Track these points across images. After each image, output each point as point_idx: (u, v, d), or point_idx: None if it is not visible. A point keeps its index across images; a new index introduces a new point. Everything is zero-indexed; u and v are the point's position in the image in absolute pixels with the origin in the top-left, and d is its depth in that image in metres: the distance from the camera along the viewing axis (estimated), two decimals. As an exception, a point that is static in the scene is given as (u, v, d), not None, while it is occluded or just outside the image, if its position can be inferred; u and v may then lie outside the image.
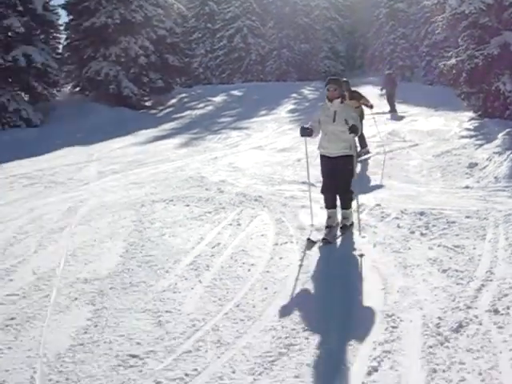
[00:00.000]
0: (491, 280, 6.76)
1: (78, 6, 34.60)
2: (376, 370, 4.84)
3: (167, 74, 37.56)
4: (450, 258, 7.62)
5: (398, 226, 9.15)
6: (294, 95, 40.70)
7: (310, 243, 8.56)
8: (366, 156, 16.53)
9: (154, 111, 35.11)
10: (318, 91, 44.22)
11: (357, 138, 14.02)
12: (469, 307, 6.02)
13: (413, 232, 8.83)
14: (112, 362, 5.09)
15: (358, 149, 15.64)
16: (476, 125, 20.83)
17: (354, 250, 8.29)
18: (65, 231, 9.55)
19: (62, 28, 35.98)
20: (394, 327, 5.64)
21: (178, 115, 32.80)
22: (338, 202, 9.54)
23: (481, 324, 5.63)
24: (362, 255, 8.09)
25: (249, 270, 7.41)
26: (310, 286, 6.92)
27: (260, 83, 49.28)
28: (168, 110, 35.63)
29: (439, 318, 5.79)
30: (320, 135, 9.46)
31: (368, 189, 12.15)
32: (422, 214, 9.63)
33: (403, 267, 7.37)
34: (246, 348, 5.33)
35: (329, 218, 9.43)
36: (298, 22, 58.44)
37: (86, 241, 8.95)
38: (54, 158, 18.88)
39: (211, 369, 4.95)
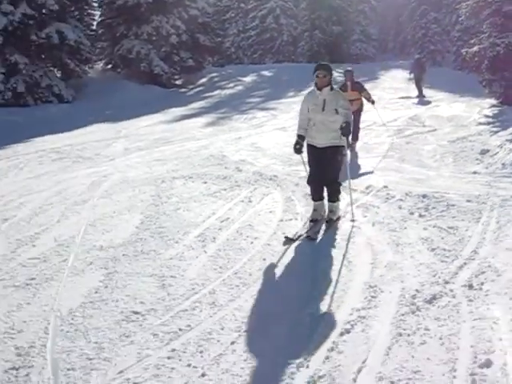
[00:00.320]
0: (474, 259, 7.28)
1: (113, -16, 35.11)
2: (348, 332, 5.43)
3: (198, 54, 37.98)
4: (442, 238, 8.14)
5: (400, 207, 9.65)
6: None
7: (288, 240, 8.13)
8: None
9: (183, 90, 35.60)
10: (347, 73, 44.45)
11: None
12: (447, 282, 6.57)
13: (412, 213, 9.34)
14: (117, 317, 5.77)
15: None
16: (495, 112, 21.14)
17: (359, 228, 8.81)
18: (87, 203, 10.20)
19: (96, 5, 36.65)
20: (373, 297, 6.22)
21: (208, 94, 33.22)
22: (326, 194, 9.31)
23: (454, 297, 6.18)
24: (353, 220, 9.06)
25: (251, 243, 8.03)
26: (304, 258, 7.51)
27: (291, 64, 49.41)
28: (198, 89, 36.06)
29: (417, 290, 6.35)
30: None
31: (379, 171, 12.64)
32: (424, 196, 10.11)
33: (395, 245, 7.91)
34: (236, 309, 5.96)
35: (314, 210, 9.20)
36: (330, 4, 58.30)
37: (105, 212, 9.60)
38: (84, 134, 19.51)
39: (203, 325, 5.59)
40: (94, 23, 37.59)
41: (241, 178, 11.81)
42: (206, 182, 11.53)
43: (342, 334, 5.39)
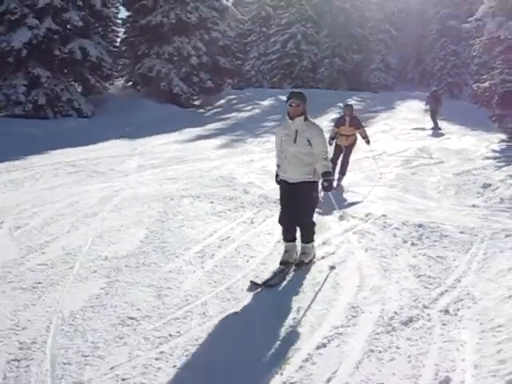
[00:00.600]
0: (455, 287, 7.70)
1: (136, 4, 35.82)
2: (324, 346, 5.88)
3: (217, 75, 38.59)
4: (429, 266, 8.55)
5: (394, 235, 10.06)
6: (340, 104, 41.20)
7: (253, 285, 7.55)
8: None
9: (201, 110, 36.17)
10: (364, 102, 44.80)
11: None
12: (425, 307, 7.00)
13: (405, 241, 9.75)
14: (113, 321, 6.27)
15: (336, 176, 14.76)
16: (503, 147, 21.45)
17: (352, 253, 9.22)
18: (97, 216, 10.70)
19: (120, 23, 37.38)
20: (353, 316, 6.65)
21: (225, 116, 33.73)
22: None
23: (429, 321, 6.61)
24: (332, 267, 8.36)
25: (247, 261, 8.49)
26: (295, 279, 7.94)
27: (310, 90, 49.75)
28: (215, 111, 36.60)
29: (395, 312, 6.78)
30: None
31: (382, 200, 13.05)
32: (420, 226, 10.50)
33: (384, 270, 8.33)
34: (224, 320, 6.44)
35: (285, 252, 8.54)
36: (351, 32, 58.93)
37: (113, 226, 10.09)
38: (100, 149, 20.07)
39: (191, 333, 6.08)
40: (118, 40, 38.21)
41: (247, 200, 12.25)
42: (212, 202, 11.97)
43: (318, 348, 5.84)
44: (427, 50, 62.58)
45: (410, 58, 68.57)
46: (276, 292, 7.43)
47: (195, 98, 38.12)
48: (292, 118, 8.13)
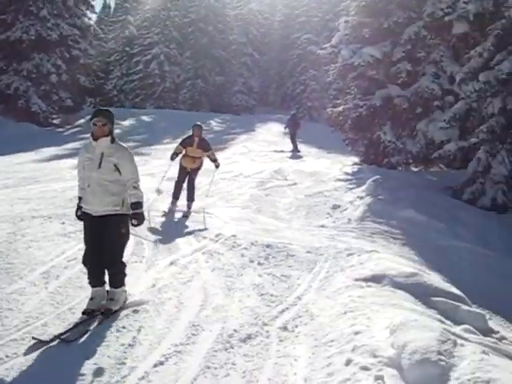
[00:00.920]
0: (296, 304, 8.04)
1: (-5, 18, 35.01)
2: (162, 364, 6.03)
3: (77, 94, 38.18)
4: (273, 285, 8.87)
5: (242, 255, 10.32)
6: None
7: (38, 343, 6.39)
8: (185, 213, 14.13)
9: (60, 129, 35.61)
10: (224, 124, 45.47)
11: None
12: (265, 324, 7.29)
13: (252, 261, 10.03)
14: None
15: (185, 203, 14.38)
16: (355, 170, 22.27)
17: (198, 273, 9.38)
18: None
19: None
20: (193, 334, 6.84)
21: (84, 135, 33.05)
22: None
23: (267, 337, 6.90)
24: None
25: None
26: (140, 301, 7.95)
27: (172, 111, 49.91)
28: (75, 130, 36.10)
29: (235, 330, 7.02)
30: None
31: (234, 221, 13.30)
32: (268, 246, 10.81)
33: (228, 289, 8.57)
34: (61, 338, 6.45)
35: (91, 299, 7.44)
36: (214, 54, 59.47)
37: None
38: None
39: (29, 354, 6.05)
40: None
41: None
42: (63, 223, 11.83)
43: (155, 366, 5.97)
44: (288, 74, 63.98)
45: (272, 81, 69.84)
46: (118, 312, 7.45)
47: (54, 116, 37.46)
48: (96, 139, 7.22)
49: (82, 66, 38.27)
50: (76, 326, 6.95)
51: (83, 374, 5.71)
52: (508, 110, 16.52)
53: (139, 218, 7.38)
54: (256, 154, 28.94)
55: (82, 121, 38.94)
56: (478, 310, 8.19)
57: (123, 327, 6.93)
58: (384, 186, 16.72)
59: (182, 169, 14.63)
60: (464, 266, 11.48)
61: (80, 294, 7.94)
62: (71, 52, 36.85)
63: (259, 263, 9.95)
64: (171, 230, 12.19)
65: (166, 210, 13.91)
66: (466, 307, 7.95)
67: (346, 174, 21.43)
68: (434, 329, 5.96)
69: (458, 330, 6.77)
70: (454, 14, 18.97)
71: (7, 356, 5.93)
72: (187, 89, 58.89)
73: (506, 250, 13.11)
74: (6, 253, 9.56)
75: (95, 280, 7.57)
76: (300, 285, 8.92)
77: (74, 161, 22.63)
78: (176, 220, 13.02)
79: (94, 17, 49.34)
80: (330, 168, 23.48)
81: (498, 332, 7.65)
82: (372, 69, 23.03)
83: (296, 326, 7.26)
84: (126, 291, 7.81)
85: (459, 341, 5.95)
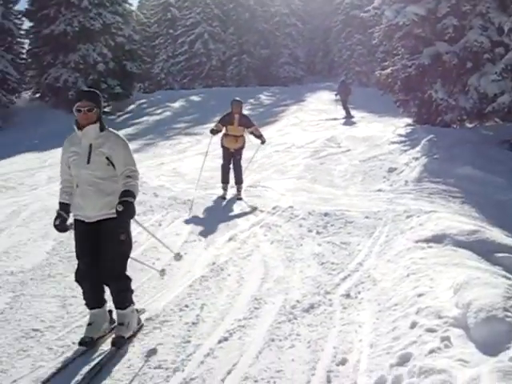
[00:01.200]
0: (357, 271, 8.00)
1: (38, 14, 35.19)
2: (226, 340, 6.03)
3: (125, 81, 38.29)
4: (333, 253, 8.83)
5: (300, 226, 10.31)
6: (251, 100, 41.49)
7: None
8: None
9: (112, 117, 35.77)
10: (274, 96, 45.24)
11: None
12: (327, 293, 7.26)
13: (311, 231, 10.01)
14: (17, 335, 6.24)
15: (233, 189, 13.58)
16: (408, 131, 21.97)
17: (258, 246, 9.39)
18: (4, 232, 10.55)
19: (24, 34, 36.75)
20: (256, 308, 6.84)
21: (135, 121, 33.52)
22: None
23: (330, 306, 6.87)
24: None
25: (153, 263, 8.55)
26: (203, 277, 8.01)
27: (220, 88, 49.81)
28: (126, 116, 36.33)
29: (297, 301, 7.01)
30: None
31: (290, 192, 13.26)
32: (326, 214, 10.78)
33: (288, 261, 8.56)
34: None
35: (89, 324, 6.17)
36: (257, 28, 59.27)
37: (21, 240, 9.97)
38: (9, 164, 19.72)
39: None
40: (24, 51, 37.52)
41: (156, 203, 12.27)
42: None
43: (219, 342, 5.98)
44: (334, 41, 63.18)
45: (318, 49, 69.14)
46: (180, 292, 7.50)
47: (104, 104, 37.57)
48: (82, 128, 5.90)
49: (127, 52, 38.39)
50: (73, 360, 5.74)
51: (150, 355, 5.74)
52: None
53: (125, 210, 5.67)
54: (307, 123, 28.78)
55: (132, 107, 39.18)
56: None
57: (186, 306, 6.96)
58: (439, 145, 16.48)
59: (225, 150, 13.60)
60: (527, 219, 11.25)
61: (142, 277, 7.99)
62: (115, 39, 36.97)
63: (318, 232, 9.92)
64: (227, 207, 12.22)
65: (221, 195, 13.20)
66: (531, 261, 7.78)
67: (400, 136, 21.19)
68: (499, 285, 5.83)
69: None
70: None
71: (73, 343, 6.00)
72: (234, 65, 58.83)
73: None
74: (67, 242, 9.65)
75: (93, 300, 6.28)
76: (360, 251, 8.87)
77: (131, 145, 22.99)
78: (230, 199, 12.96)
79: (135, 2, 49.36)
80: (383, 131, 23.26)
81: None
82: (417, 27, 22.58)
83: (359, 293, 7.22)
84: (136, 310, 6.49)
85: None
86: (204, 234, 10.17)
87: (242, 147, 13.54)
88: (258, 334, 6.13)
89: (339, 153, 18.89)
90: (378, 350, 5.49)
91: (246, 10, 59.43)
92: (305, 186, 14.09)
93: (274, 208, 11.52)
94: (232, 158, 13.47)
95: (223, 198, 13.09)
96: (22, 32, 36.36)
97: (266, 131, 25.30)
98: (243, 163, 13.68)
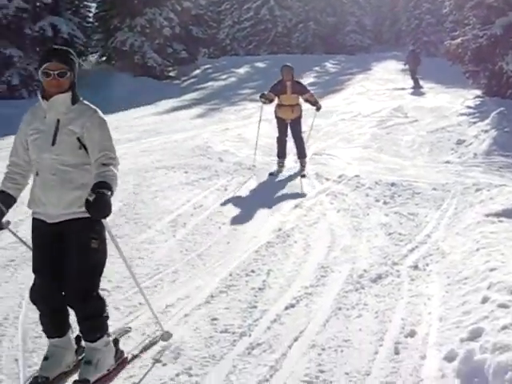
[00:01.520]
0: (425, 242, 7.87)
1: (105, -23, 35.47)
2: (293, 306, 5.99)
3: (191, 45, 38.29)
4: (400, 224, 8.71)
5: (367, 195, 10.20)
6: (317, 68, 41.22)
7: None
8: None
9: (177, 81, 35.91)
10: (339, 65, 44.78)
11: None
12: (395, 263, 7.14)
13: (378, 200, 9.90)
14: (84, 295, 6.31)
15: (296, 163, 12.65)
16: (478, 103, 21.60)
17: (324, 214, 9.31)
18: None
19: (90, -2, 36.97)
20: (323, 276, 6.77)
21: (200, 86, 33.55)
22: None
23: (398, 277, 6.76)
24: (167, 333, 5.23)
25: (219, 228, 8.59)
26: (269, 243, 7.96)
27: (286, 55, 49.38)
28: (191, 81, 36.35)
29: (364, 270, 6.92)
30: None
31: (356, 161, 13.14)
32: (393, 184, 10.64)
33: (355, 230, 8.47)
34: (194, 287, 6.51)
35: (45, 359, 4.69)
36: (324, -5, 58.73)
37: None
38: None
39: (161, 301, 6.15)
40: (91, 15, 37.73)
41: (221, 168, 12.29)
42: (186, 172, 12.00)
43: (286, 308, 5.94)
44: (402, 10, 62.22)
45: (385, 18, 68.11)
46: (246, 257, 7.47)
47: (170, 69, 37.72)
48: (47, 98, 4.53)
49: (193, 17, 38.29)
50: None
51: (215, 319, 5.74)
52: None
53: (98, 201, 4.18)
54: (374, 92, 28.47)
55: (197, 71, 39.19)
56: None
57: (252, 271, 6.94)
58: (509, 118, 16.16)
59: (280, 122, 12.69)
60: None
61: (207, 241, 8.02)
62: (182, 4, 36.87)
63: (385, 202, 9.80)
64: (291, 174, 12.13)
65: (273, 172, 12.24)
66: None
67: (468, 107, 20.86)
68: None
69: None
70: None
71: (140, 303, 6.02)
72: (299, 32, 58.31)
73: None
74: (133, 204, 9.77)
75: (53, 328, 4.79)
76: (428, 222, 8.72)
77: (193, 111, 23.18)
78: (293, 166, 12.85)
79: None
80: (451, 102, 22.90)
81: None
82: (491, -4, 22.08)
83: (427, 265, 7.09)
84: (115, 341, 5.00)
85: None
86: (269, 199, 10.15)
87: (300, 117, 12.48)
88: (325, 302, 6.07)
89: (406, 123, 18.65)
90: (448, 323, 5.39)
91: (314, -24, 58.77)
92: (371, 156, 13.95)
93: (339, 176, 11.42)
94: (291, 131, 12.58)
95: (272, 174, 12.08)
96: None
97: (331, 99, 25.36)
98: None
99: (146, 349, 5.14)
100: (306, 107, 12.83)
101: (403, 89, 29.46)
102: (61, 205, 4.44)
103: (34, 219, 4.67)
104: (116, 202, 9.79)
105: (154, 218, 9.06)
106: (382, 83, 32.99)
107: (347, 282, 6.61)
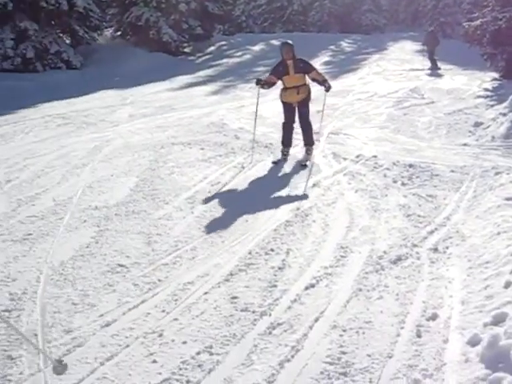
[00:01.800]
0: (445, 225, 7.77)
1: (122, -50, 35.23)
2: (313, 286, 5.96)
3: (207, 22, 38.13)
4: (419, 206, 8.61)
5: (385, 176, 10.09)
6: (332, 47, 40.99)
7: None
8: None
9: (192, 58, 35.80)
10: (355, 44, 44.53)
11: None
12: (414, 245, 7.07)
13: (395, 181, 9.79)
14: (103, 269, 6.34)
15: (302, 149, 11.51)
16: (495, 85, 21.37)
17: (342, 194, 9.24)
18: (87, 167, 10.70)
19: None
20: (342, 256, 6.72)
21: (215, 62, 33.41)
22: None
23: (418, 259, 6.68)
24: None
25: (237, 205, 8.54)
26: (288, 222, 7.93)
27: (301, 34, 49.16)
28: (206, 57, 36.24)
29: (384, 251, 6.85)
30: None
31: (373, 141, 13.04)
32: (410, 166, 10.53)
33: (373, 211, 8.38)
34: (213, 264, 6.48)
35: None
36: (341, -27, 58.29)
37: (104, 175, 10.11)
38: (90, 101, 19.97)
39: (180, 278, 6.11)
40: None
41: (237, 145, 12.22)
42: (203, 149, 11.95)
43: (306, 288, 5.91)
44: (418, -10, 61.80)
45: (402, -2, 67.70)
46: (265, 236, 7.43)
47: (185, 45, 37.61)
48: None
49: (209, -8, 38.19)
50: None
51: (235, 297, 5.72)
52: None
53: None
54: (390, 73, 28.20)
55: (212, 48, 39.08)
56: None
57: (271, 250, 6.90)
58: (528, 102, 15.97)
59: (285, 106, 11.43)
60: None
61: (226, 218, 7.98)
62: (198, -20, 36.79)
63: (403, 183, 9.69)
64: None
65: (276, 161, 11.16)
66: None
67: (486, 90, 20.62)
68: None
69: None
70: None
71: (159, 280, 6.00)
72: (315, 10, 57.95)
73: None
74: (150, 179, 9.74)
75: None
76: (447, 205, 8.62)
77: (208, 88, 23.13)
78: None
79: None
80: (468, 85, 22.65)
81: None
82: (512, -22, 21.78)
83: (447, 247, 7.01)
84: None
85: None
86: (287, 178, 10.09)
87: (307, 99, 11.23)
88: (345, 283, 6.03)
89: (423, 104, 18.45)
90: (470, 307, 5.34)
91: (331, -47, 58.31)
92: (387, 136, 13.82)
93: (357, 156, 11.31)
94: (297, 115, 11.34)
95: (274, 162, 11.06)
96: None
97: (347, 78, 25.24)
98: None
99: None
100: (317, 88, 11.83)
101: (422, 69, 29.22)
102: None
103: None
104: (133, 177, 9.85)
105: (172, 194, 9.03)
106: (399, 63, 32.73)
107: (367, 263, 6.56)
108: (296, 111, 11.25)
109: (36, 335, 5.02)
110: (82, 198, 8.84)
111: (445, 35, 51.86)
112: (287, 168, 10.72)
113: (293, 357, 4.70)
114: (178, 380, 4.49)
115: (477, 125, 14.73)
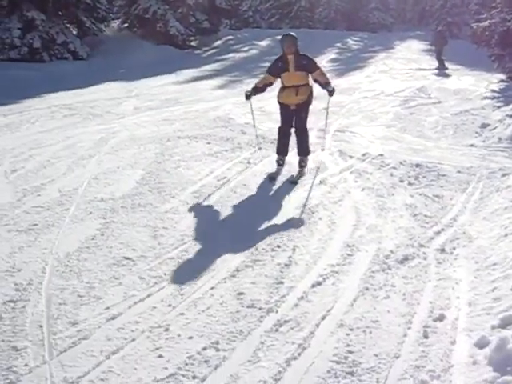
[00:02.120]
0: (451, 226, 7.74)
1: None
2: (319, 284, 5.93)
3: (214, 16, 38.14)
4: (426, 205, 8.57)
5: (391, 175, 10.05)
6: (338, 45, 40.94)
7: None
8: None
9: (198, 51, 35.78)
10: (362, 42, 44.53)
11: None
12: (421, 245, 7.04)
13: (402, 181, 9.75)
14: (109, 262, 6.31)
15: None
16: (502, 87, 21.33)
17: (348, 192, 9.21)
18: (93, 158, 10.67)
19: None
20: (349, 255, 6.69)
21: (222, 57, 33.38)
22: None
23: (425, 259, 6.66)
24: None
25: (243, 201, 8.51)
26: (293, 219, 7.94)
27: (308, 30, 49.13)
28: (212, 52, 36.21)
29: (391, 251, 6.82)
30: None
31: (379, 140, 13.00)
32: (417, 165, 10.49)
33: (380, 209, 8.34)
34: (219, 259, 6.47)
35: None
36: (349, -30, 58.25)
37: (109, 167, 10.08)
38: (96, 92, 19.94)
39: (186, 272, 6.11)
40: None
41: (243, 140, 12.18)
42: (209, 143, 11.92)
43: (313, 286, 5.89)
44: (426, -11, 61.78)
45: (409, -4, 67.70)
46: (271, 230, 7.45)
47: (192, 39, 37.60)
48: None
49: (217, -14, 38.19)
50: None
51: (242, 293, 5.70)
52: None
53: None
54: (397, 71, 28.14)
55: (218, 42, 39.06)
56: None
57: (278, 246, 6.88)
58: (535, 104, 15.98)
59: (282, 108, 10.13)
60: None
61: (231, 212, 7.96)
62: (206, -26, 36.78)
63: (410, 183, 9.66)
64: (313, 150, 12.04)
65: (273, 176, 9.87)
66: None
67: (493, 91, 20.57)
68: None
69: None
70: None
71: (166, 274, 5.98)
72: (323, 7, 57.97)
73: None
74: (156, 172, 9.72)
75: None
76: (454, 205, 8.59)
77: (214, 82, 23.09)
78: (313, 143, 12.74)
79: None
80: (476, 85, 22.58)
81: None
82: (521, -21, 21.75)
83: (454, 248, 6.98)
84: None
85: None
86: (294, 174, 10.02)
87: (308, 102, 9.76)
88: (352, 281, 6.01)
89: (429, 104, 18.40)
90: (478, 309, 5.33)
91: (340, -50, 58.29)
92: (394, 135, 13.77)
93: (363, 155, 11.27)
94: (294, 120, 9.94)
95: (271, 178, 9.76)
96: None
97: (354, 76, 25.20)
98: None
99: None
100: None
101: (428, 69, 29.17)
102: None
103: None
104: (139, 170, 9.82)
105: (178, 187, 8.99)
106: (405, 62, 32.68)
107: (373, 261, 6.53)
108: (293, 116, 9.91)
109: (41, 326, 5.00)
110: (88, 190, 8.81)
111: (452, 35, 51.71)
112: (293, 165, 10.65)
113: (299, 355, 4.69)
114: (184, 375, 4.47)
115: (483, 126, 14.69)
